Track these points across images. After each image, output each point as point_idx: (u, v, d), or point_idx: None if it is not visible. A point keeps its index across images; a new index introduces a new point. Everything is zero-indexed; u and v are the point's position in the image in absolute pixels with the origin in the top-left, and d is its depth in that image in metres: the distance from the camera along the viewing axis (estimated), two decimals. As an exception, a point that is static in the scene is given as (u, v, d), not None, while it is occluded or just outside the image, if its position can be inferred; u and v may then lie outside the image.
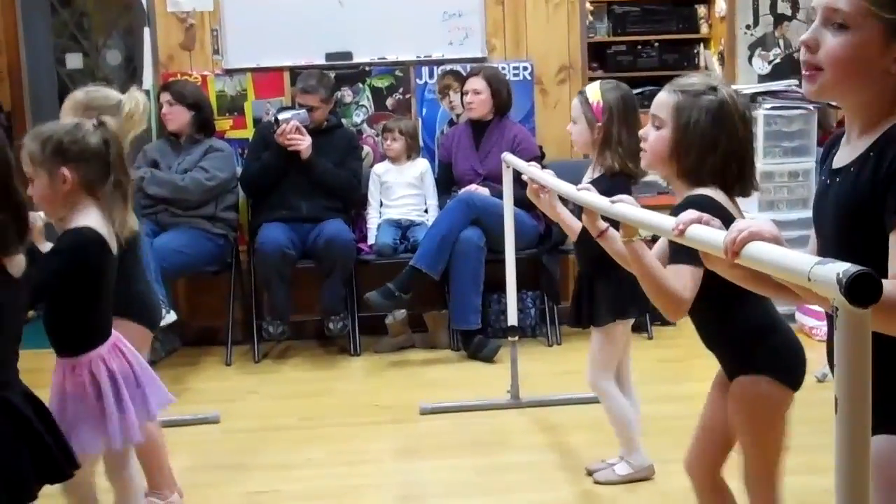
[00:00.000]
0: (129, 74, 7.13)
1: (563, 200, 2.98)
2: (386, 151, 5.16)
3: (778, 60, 5.50)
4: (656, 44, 5.47)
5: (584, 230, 3.04)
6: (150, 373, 2.54)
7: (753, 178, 2.20)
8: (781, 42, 5.50)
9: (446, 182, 5.18)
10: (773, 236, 1.36)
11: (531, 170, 3.19)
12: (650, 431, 3.33)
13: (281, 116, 4.90)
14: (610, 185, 3.06)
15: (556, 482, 3.31)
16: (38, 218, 2.45)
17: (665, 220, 1.72)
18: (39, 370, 2.37)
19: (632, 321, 3.27)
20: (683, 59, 5.50)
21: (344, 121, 5.24)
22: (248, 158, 5.11)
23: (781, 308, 5.23)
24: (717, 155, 2.12)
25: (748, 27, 5.47)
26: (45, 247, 2.41)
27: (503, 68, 5.20)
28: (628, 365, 3.35)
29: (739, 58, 5.45)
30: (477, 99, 4.97)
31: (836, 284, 1.12)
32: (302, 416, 4.09)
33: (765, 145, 5.10)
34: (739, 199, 2.20)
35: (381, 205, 5.17)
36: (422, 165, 5.18)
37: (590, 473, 3.31)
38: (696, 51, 5.55)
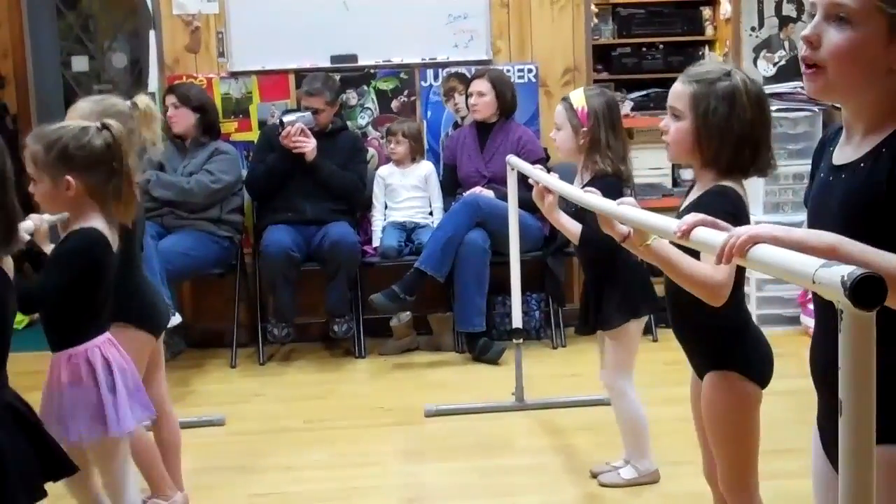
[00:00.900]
0: (135, 77, 7.15)
1: (564, 203, 2.97)
2: (390, 154, 5.16)
3: (783, 62, 5.49)
4: (661, 46, 5.48)
5: (583, 234, 3.05)
6: (138, 382, 2.54)
7: (770, 159, 2.18)
8: (786, 44, 5.50)
9: (451, 184, 5.17)
10: (771, 237, 1.35)
11: (535, 172, 3.19)
12: (655, 434, 3.33)
13: (286, 119, 4.90)
14: (602, 188, 3.06)
15: (561, 485, 3.31)
16: (42, 220, 2.46)
17: (668, 223, 1.71)
18: (40, 373, 2.38)
19: (645, 320, 3.26)
20: (688, 61, 5.43)
21: (349, 123, 5.24)
22: (254, 161, 5.12)
23: (787, 311, 5.22)
24: (735, 140, 2.12)
25: (753, 29, 5.47)
26: (48, 248, 2.42)
27: (508, 70, 5.20)
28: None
29: (744, 60, 5.45)
30: (481, 101, 4.97)
31: (841, 287, 1.12)
32: (307, 418, 4.09)
33: (770, 147, 5.08)
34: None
35: (386, 207, 5.17)
36: (426, 168, 5.18)
37: (594, 476, 3.31)
38: (700, 53, 5.55)
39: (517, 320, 4.12)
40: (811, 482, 1.66)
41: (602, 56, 5.47)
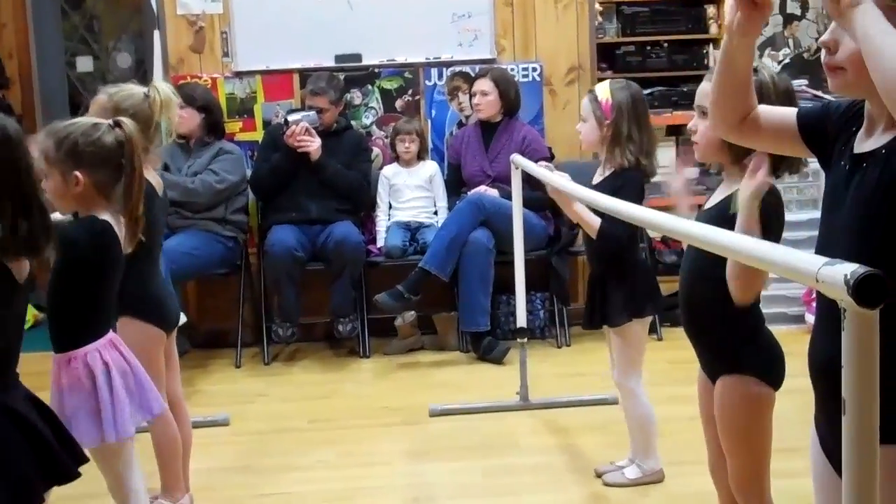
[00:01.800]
0: (140, 77, 7.13)
1: None
2: (402, 155, 5.14)
3: (787, 60, 5.48)
4: (665, 44, 5.45)
5: (602, 227, 3.05)
6: (145, 376, 2.54)
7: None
8: (791, 42, 5.48)
9: (455, 184, 5.17)
10: None
11: (539, 170, 3.19)
12: (660, 433, 3.32)
13: (290, 118, 4.90)
14: (622, 181, 3.07)
15: (565, 484, 3.30)
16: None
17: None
18: (45, 373, 2.38)
19: (649, 320, 3.26)
20: (693, 59, 5.48)
21: (353, 123, 5.25)
22: (258, 160, 5.12)
23: (792, 309, 5.21)
24: None
25: (757, 27, 5.45)
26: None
27: (512, 69, 5.20)
28: None
29: (749, 58, 5.43)
30: (484, 100, 4.96)
31: (844, 286, 1.11)
32: (311, 418, 4.09)
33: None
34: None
35: (391, 207, 5.17)
36: (431, 168, 5.18)
37: (599, 475, 3.30)
38: (705, 51, 5.52)
39: (522, 320, 4.12)
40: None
41: (606, 54, 5.46)
